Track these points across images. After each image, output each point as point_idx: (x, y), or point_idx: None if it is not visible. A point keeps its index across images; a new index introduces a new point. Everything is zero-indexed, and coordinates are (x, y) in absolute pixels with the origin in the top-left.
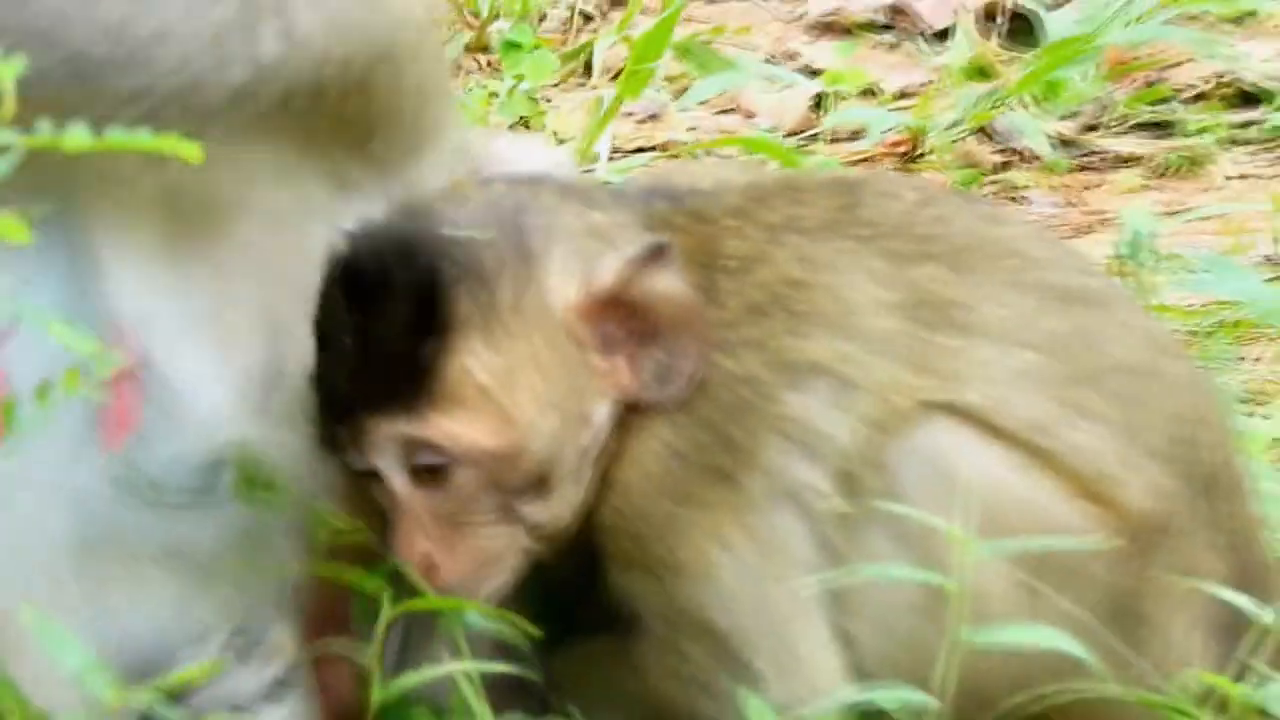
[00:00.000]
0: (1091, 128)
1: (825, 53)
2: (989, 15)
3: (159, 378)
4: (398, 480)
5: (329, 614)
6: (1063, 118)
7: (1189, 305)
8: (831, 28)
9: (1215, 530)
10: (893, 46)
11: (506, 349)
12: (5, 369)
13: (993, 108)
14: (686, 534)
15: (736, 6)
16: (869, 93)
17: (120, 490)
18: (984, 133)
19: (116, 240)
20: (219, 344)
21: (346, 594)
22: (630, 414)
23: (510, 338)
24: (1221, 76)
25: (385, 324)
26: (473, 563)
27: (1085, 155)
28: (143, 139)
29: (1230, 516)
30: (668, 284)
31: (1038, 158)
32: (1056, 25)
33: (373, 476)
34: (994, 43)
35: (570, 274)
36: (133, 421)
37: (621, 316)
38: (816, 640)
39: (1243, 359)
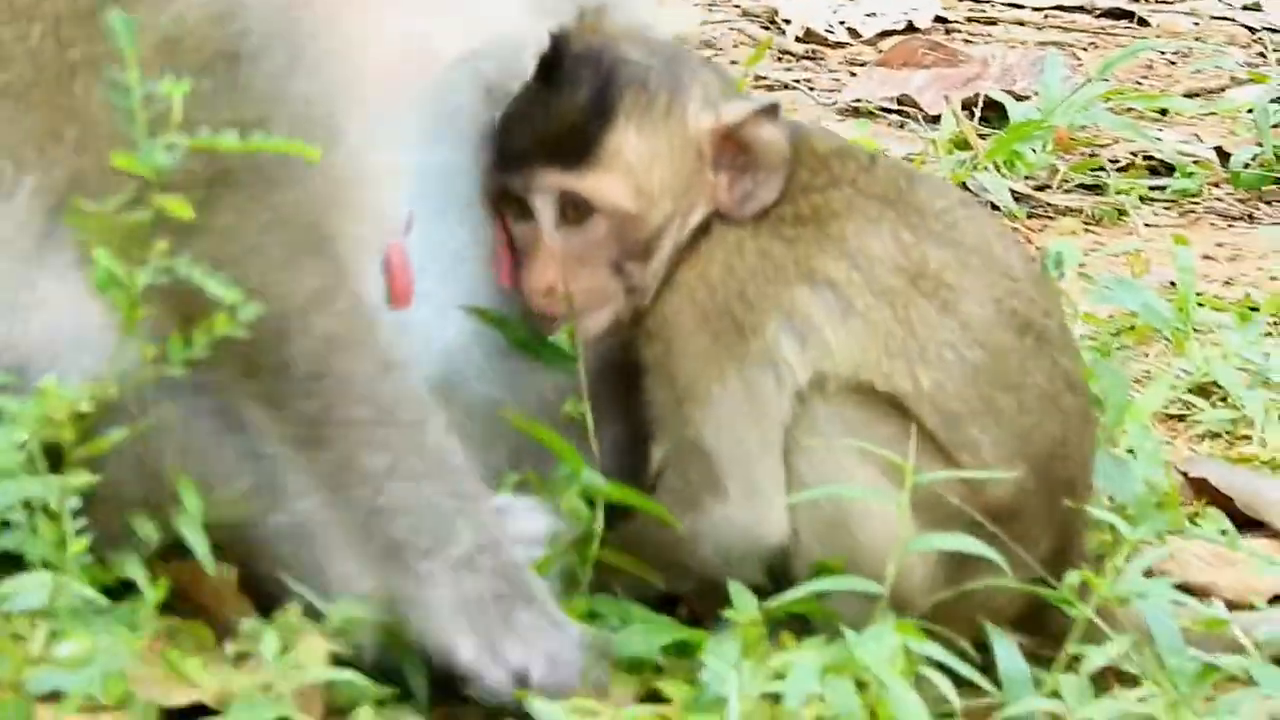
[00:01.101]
0: (1042, 187)
1: (849, 129)
2: (969, 105)
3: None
4: (547, 220)
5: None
6: (1023, 179)
7: (1108, 316)
8: (857, 111)
9: (1050, 519)
10: (900, 125)
11: (651, 140)
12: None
13: (970, 171)
14: (697, 359)
15: (785, 95)
16: None
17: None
18: (964, 188)
19: None
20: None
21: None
22: (713, 224)
23: (655, 134)
24: (1141, 153)
25: (570, 102)
26: (583, 295)
27: (1036, 207)
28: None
29: (1066, 510)
30: (772, 134)
31: (999, 208)
32: (1019, 111)
33: (527, 219)
34: (974, 124)
35: (708, 106)
36: (410, 284)
37: (734, 147)
38: (774, 480)
39: (1146, 355)
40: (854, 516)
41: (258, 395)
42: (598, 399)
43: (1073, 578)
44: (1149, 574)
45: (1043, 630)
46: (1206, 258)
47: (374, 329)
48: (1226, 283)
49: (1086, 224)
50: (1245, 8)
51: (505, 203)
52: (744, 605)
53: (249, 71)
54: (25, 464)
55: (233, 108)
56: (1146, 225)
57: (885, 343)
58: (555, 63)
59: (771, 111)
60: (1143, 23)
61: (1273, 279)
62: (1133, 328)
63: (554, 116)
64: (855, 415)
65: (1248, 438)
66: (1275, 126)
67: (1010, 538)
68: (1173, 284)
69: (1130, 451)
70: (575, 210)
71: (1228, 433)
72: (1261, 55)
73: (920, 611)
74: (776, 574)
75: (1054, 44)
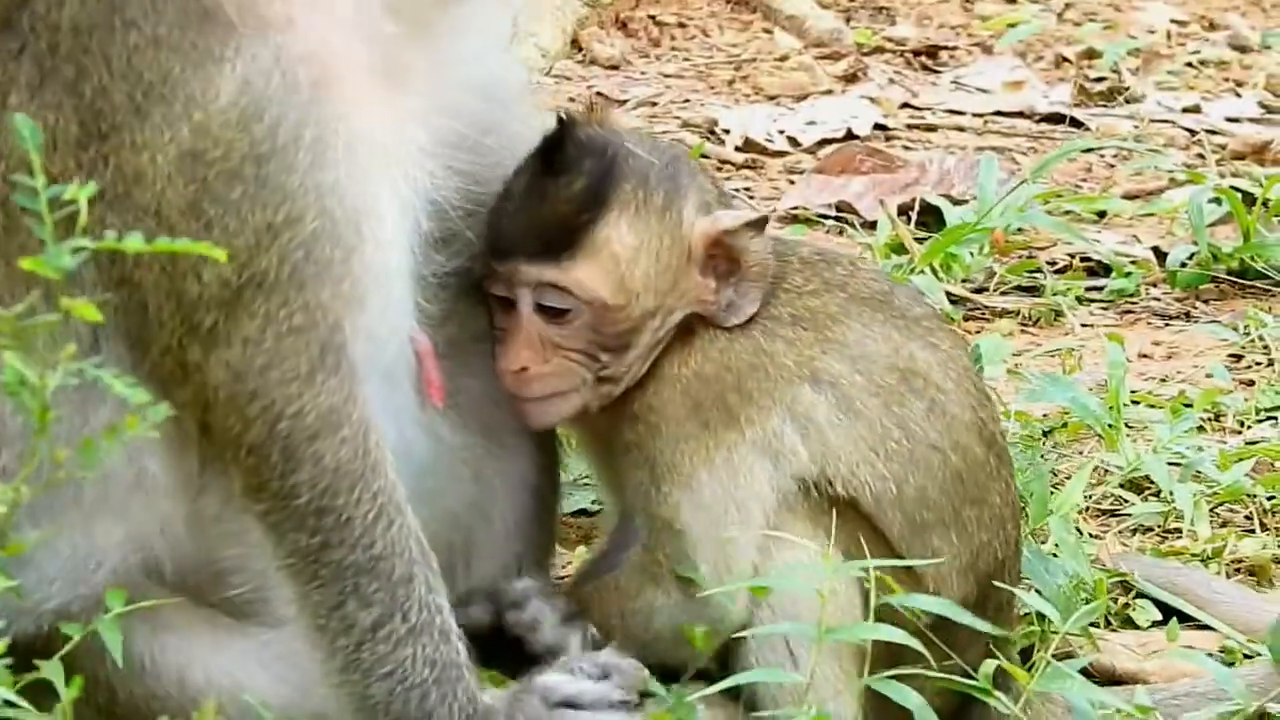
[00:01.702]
0: (979, 290)
1: (788, 233)
2: (906, 210)
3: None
4: (525, 306)
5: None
6: (960, 282)
7: (1041, 415)
8: (795, 218)
9: (982, 636)
10: (839, 232)
11: (642, 235)
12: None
13: (906, 274)
14: (685, 444)
15: None
16: None
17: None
18: None
19: None
20: None
21: None
22: (695, 324)
23: (647, 230)
24: (1078, 255)
25: (565, 190)
26: (554, 382)
27: (973, 309)
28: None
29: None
30: (761, 247)
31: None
32: (955, 215)
33: (506, 304)
34: (910, 228)
35: (704, 210)
36: (438, 385)
37: (723, 254)
38: (746, 567)
39: (1080, 453)
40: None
41: (260, 516)
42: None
43: (988, 666)
44: (1082, 671)
45: None
46: (1143, 356)
47: (379, 465)
48: (1162, 380)
49: (1023, 325)
50: (1185, 110)
51: (493, 284)
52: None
53: (278, 169)
54: None
55: (263, 208)
56: (1083, 325)
57: (882, 444)
58: (557, 147)
59: (761, 225)
60: (1081, 126)
61: (1208, 376)
62: (1065, 425)
63: (545, 205)
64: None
65: (1178, 531)
66: (1211, 226)
67: (945, 643)
68: (1106, 382)
69: (1055, 546)
70: (554, 298)
71: (1159, 526)
72: (1200, 157)
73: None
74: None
75: (993, 149)
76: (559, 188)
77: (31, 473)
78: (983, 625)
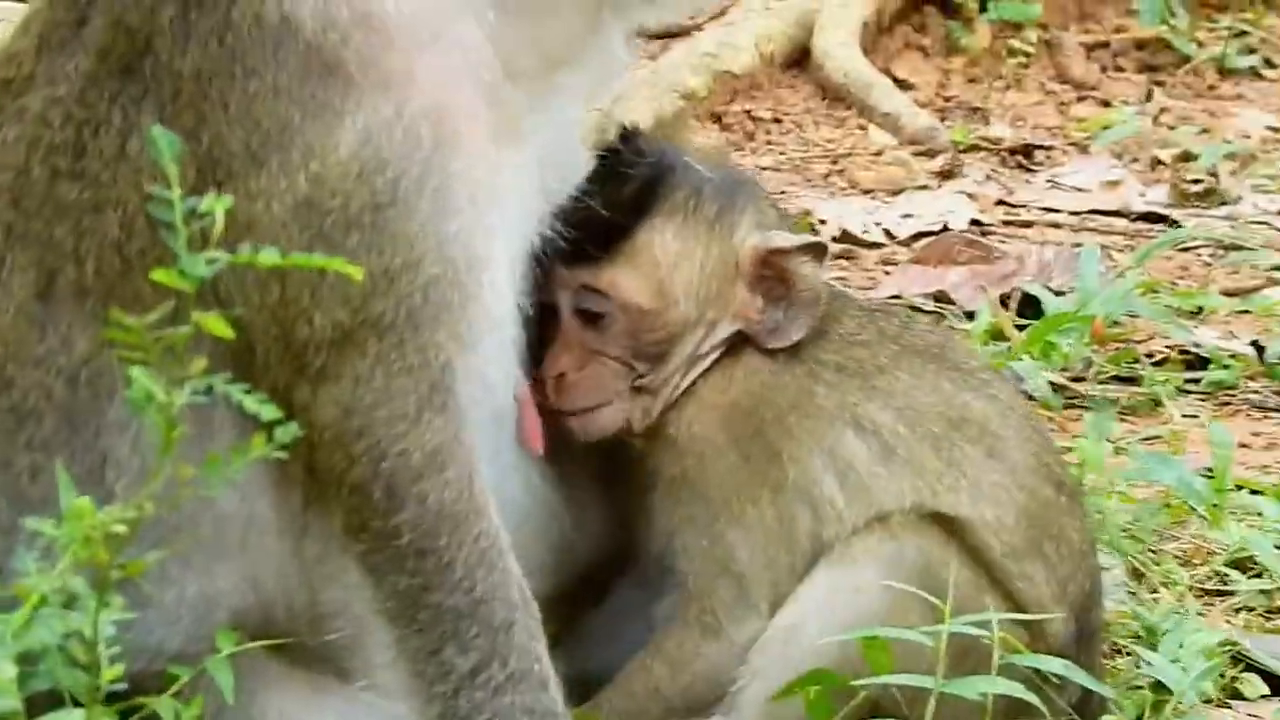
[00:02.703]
0: (1078, 379)
1: None
2: (1005, 300)
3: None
4: (565, 309)
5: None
6: (1059, 370)
7: (1141, 498)
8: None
9: (1061, 595)
10: (938, 320)
11: (686, 243)
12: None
13: (1006, 360)
14: (730, 477)
15: None
16: None
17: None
18: None
19: None
20: None
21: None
22: (739, 345)
23: (694, 238)
24: (1176, 348)
25: (611, 194)
26: (591, 391)
27: (1072, 397)
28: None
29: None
30: (814, 271)
31: (1035, 397)
32: (1054, 304)
33: (550, 311)
34: (1009, 316)
35: (758, 229)
36: (538, 433)
37: (774, 274)
38: (763, 609)
39: (1183, 524)
40: (895, 655)
41: (360, 556)
42: (575, 482)
43: None
44: None
45: None
46: (1243, 446)
47: (482, 508)
48: (1264, 469)
49: (1122, 414)
50: None
51: (539, 291)
52: None
53: (396, 217)
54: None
55: (380, 254)
56: (1183, 416)
57: (937, 480)
58: (614, 153)
59: (819, 250)
60: (1177, 226)
61: None
62: (1169, 505)
63: (591, 209)
64: (925, 547)
65: None
66: None
67: (1049, 685)
68: (1209, 469)
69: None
70: (591, 302)
71: (1264, 606)
72: None
73: None
74: None
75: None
76: (608, 192)
77: (156, 492)
78: (1101, 687)
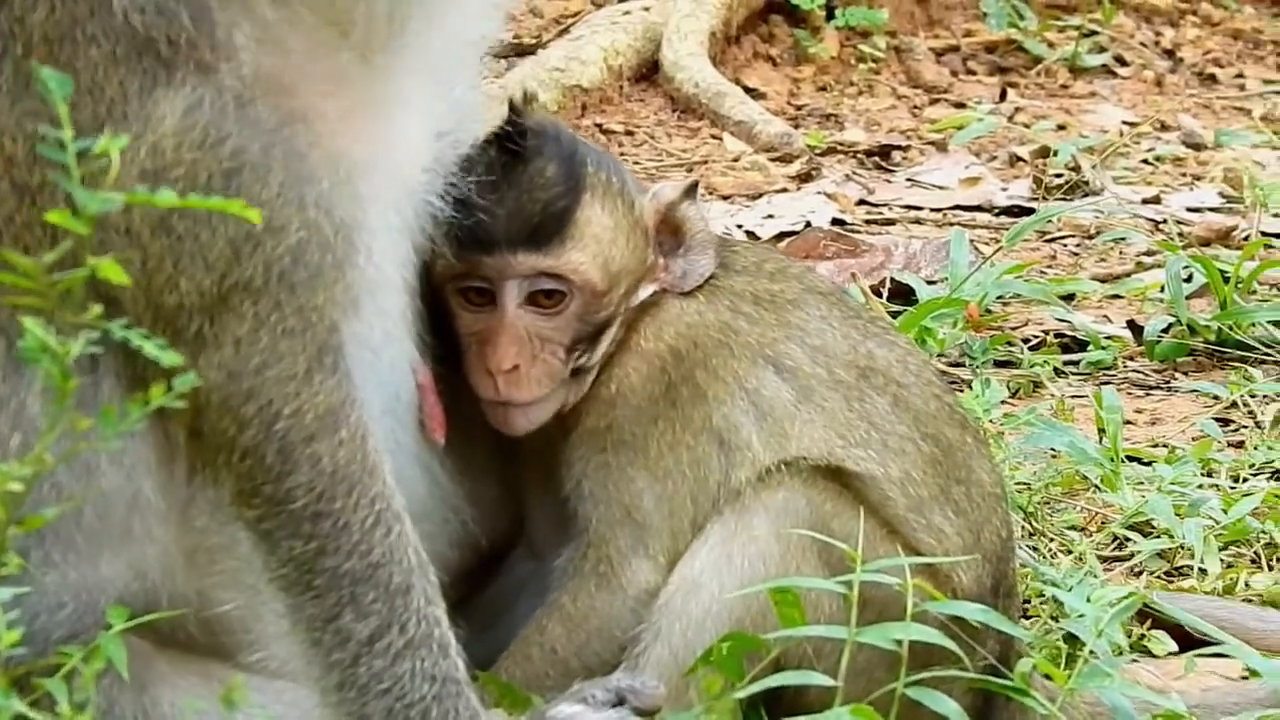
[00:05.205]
0: (956, 364)
1: None
2: (876, 290)
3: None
4: (512, 301)
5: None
6: (936, 356)
7: (1032, 472)
8: None
9: (975, 544)
10: None
11: (613, 216)
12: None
13: None
14: (655, 424)
15: None
16: None
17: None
18: None
19: None
20: None
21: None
22: (658, 295)
23: (616, 211)
24: (1052, 332)
25: (540, 178)
26: (543, 381)
27: (952, 382)
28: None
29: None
30: (698, 212)
31: None
32: (927, 292)
33: (484, 304)
34: (881, 304)
35: (641, 190)
36: (440, 420)
37: (668, 230)
38: (661, 561)
39: (1074, 495)
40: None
41: (252, 523)
42: (469, 459)
43: (1024, 665)
44: None
45: None
46: (1128, 423)
47: (376, 469)
48: (1151, 444)
49: (1002, 400)
50: (1145, 201)
51: (462, 289)
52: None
53: (250, 183)
54: None
55: (237, 220)
56: (1065, 396)
57: (847, 432)
58: (519, 135)
59: (693, 191)
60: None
61: (1195, 439)
62: (1060, 475)
63: (524, 192)
64: (816, 499)
65: (1183, 570)
66: (1189, 299)
67: (965, 632)
68: (1101, 434)
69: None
70: (550, 285)
71: (1164, 568)
72: (1165, 243)
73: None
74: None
75: None
76: (532, 174)
77: (51, 445)
78: (1017, 630)
